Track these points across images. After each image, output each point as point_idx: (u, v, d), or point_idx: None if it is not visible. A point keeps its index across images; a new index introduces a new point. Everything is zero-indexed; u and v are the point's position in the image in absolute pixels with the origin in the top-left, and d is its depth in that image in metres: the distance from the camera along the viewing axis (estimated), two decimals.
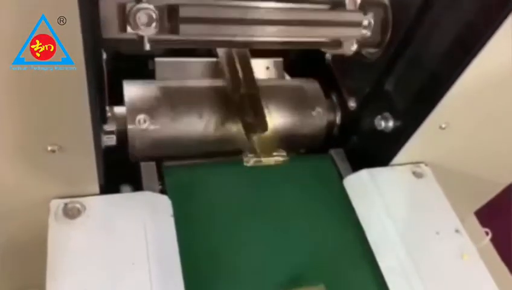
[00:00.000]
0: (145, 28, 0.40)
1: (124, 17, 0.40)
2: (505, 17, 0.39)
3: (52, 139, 0.37)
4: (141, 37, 0.41)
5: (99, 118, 0.38)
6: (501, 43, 0.41)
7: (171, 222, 0.45)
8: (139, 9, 0.40)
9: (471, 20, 0.42)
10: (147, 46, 0.42)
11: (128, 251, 0.42)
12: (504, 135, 0.55)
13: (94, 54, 0.34)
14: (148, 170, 0.50)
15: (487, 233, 0.75)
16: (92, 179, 0.42)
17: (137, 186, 0.49)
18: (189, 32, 0.42)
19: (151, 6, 0.40)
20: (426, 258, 0.48)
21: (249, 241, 0.47)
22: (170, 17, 0.41)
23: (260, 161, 0.47)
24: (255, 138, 0.49)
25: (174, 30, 0.42)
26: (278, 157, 0.48)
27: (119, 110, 0.50)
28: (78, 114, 0.35)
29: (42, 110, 0.35)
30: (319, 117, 0.57)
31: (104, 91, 0.46)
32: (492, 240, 0.74)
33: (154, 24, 0.40)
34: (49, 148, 0.37)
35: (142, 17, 0.40)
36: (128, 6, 0.40)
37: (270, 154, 0.48)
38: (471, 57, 0.42)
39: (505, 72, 0.45)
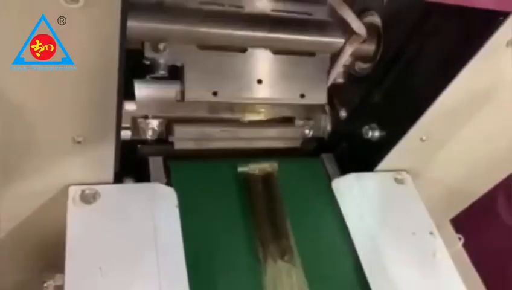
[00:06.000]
0: None
1: None
2: (478, 47, 0.44)
3: (80, 131, 0.41)
4: None
5: (121, 112, 0.42)
6: (477, 68, 0.46)
7: (176, 211, 0.49)
8: None
9: (452, 47, 0.48)
10: None
11: (138, 234, 0.46)
12: (479, 148, 0.61)
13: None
14: (155, 164, 0.54)
15: (460, 239, 0.81)
16: (108, 168, 0.46)
17: (139, 179, 0.53)
18: None
19: None
20: (402, 255, 0.53)
21: (245, 232, 0.52)
22: None
23: None
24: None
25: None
26: None
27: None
28: (106, 108, 0.39)
29: (74, 104, 0.38)
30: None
31: None
32: (465, 245, 0.80)
33: None
34: (77, 139, 0.41)
35: None
36: None
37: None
38: (451, 78, 0.48)
39: (480, 92, 0.51)
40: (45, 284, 0.45)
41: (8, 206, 0.48)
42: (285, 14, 0.55)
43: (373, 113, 0.58)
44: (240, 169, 0.55)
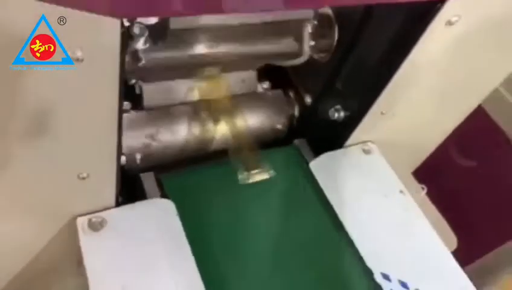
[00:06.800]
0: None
1: None
2: (423, 29, 0.50)
3: (84, 168, 0.44)
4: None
5: (121, 145, 0.45)
6: (423, 48, 0.52)
7: (177, 220, 0.53)
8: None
9: (401, 29, 0.53)
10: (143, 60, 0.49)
11: (148, 249, 0.50)
12: (430, 111, 0.68)
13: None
14: (148, 179, 0.57)
15: (423, 188, 0.90)
16: (111, 194, 0.49)
17: (130, 195, 0.55)
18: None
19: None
20: (380, 215, 0.61)
21: (241, 225, 0.57)
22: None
23: None
24: None
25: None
26: None
27: None
28: (108, 145, 0.42)
29: (79, 146, 0.41)
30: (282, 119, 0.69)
31: None
32: (428, 193, 0.90)
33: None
34: (81, 175, 0.44)
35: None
36: None
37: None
38: (402, 60, 0.54)
39: (427, 67, 0.57)
40: None
41: (16, 245, 0.50)
42: None
43: (336, 96, 0.64)
44: None
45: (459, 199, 0.97)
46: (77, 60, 0.32)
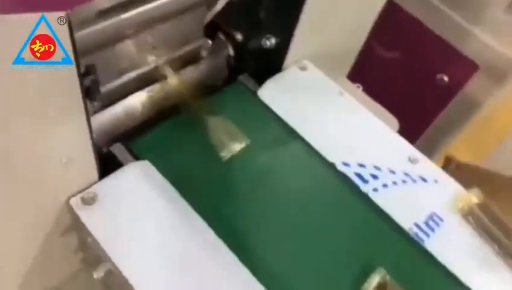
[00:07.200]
0: None
1: None
2: None
3: (63, 153, 0.47)
4: None
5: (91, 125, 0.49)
6: None
7: (160, 176, 0.58)
8: None
9: None
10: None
11: (146, 207, 0.54)
12: (348, 19, 0.76)
13: None
14: (118, 150, 0.61)
15: (358, 86, 1.00)
16: (92, 170, 0.54)
17: (105, 170, 0.58)
18: None
19: None
20: (328, 117, 0.70)
21: (221, 166, 0.62)
22: None
23: None
24: None
25: None
26: None
27: None
28: (79, 125, 0.45)
29: (54, 132, 0.44)
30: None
31: None
32: (364, 90, 1.00)
33: None
34: (62, 161, 0.48)
35: None
36: None
37: None
38: None
39: None
40: (95, 276, 0.53)
41: (15, 243, 0.54)
42: None
43: (264, 27, 0.69)
44: None
45: (390, 89, 1.09)
46: None
